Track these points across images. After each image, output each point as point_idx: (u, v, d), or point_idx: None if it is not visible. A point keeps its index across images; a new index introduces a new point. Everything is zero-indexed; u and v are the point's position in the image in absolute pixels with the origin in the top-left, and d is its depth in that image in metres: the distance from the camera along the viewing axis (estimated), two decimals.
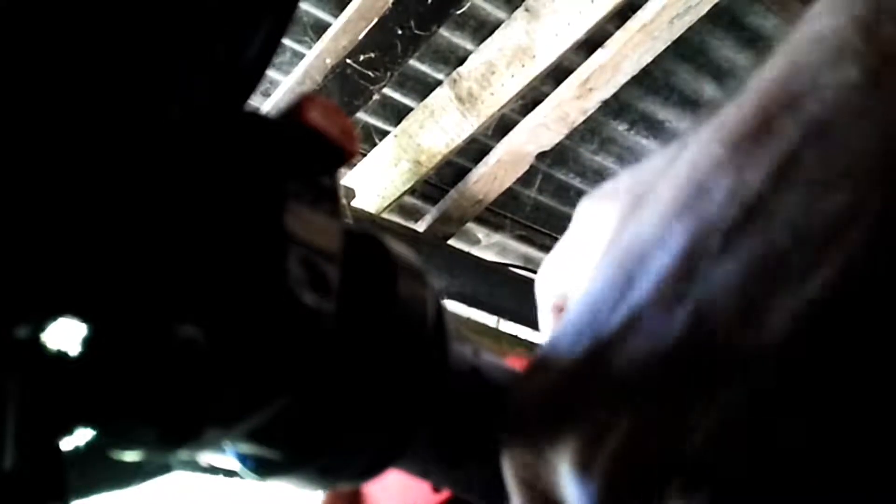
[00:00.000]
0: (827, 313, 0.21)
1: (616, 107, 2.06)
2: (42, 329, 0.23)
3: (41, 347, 0.23)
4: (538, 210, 2.32)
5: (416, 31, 1.78)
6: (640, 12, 1.79)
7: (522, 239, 2.37)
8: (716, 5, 1.74)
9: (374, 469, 0.27)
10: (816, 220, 0.21)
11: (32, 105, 0.23)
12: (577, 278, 0.33)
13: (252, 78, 0.28)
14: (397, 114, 2.06)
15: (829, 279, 0.21)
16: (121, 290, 0.23)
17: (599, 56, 1.86)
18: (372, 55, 1.81)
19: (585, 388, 0.23)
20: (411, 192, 2.13)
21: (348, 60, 1.81)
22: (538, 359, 0.25)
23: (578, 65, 1.90)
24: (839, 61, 0.22)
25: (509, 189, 2.17)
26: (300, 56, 1.87)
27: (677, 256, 0.23)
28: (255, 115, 0.28)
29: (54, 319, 0.23)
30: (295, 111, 0.27)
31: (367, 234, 0.29)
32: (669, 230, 0.23)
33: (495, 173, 2.11)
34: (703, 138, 0.25)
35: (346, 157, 0.28)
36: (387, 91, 1.96)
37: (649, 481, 0.21)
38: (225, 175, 0.25)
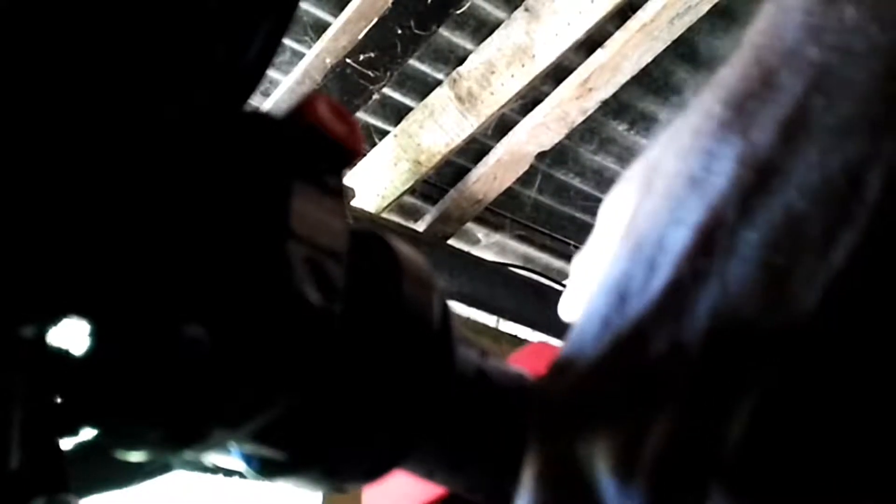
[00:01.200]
0: (856, 282, 0.19)
1: (616, 107, 2.06)
2: (47, 329, 0.23)
3: (46, 347, 0.23)
4: (538, 210, 2.32)
5: (416, 31, 1.77)
6: (640, 12, 1.79)
7: (522, 239, 2.36)
8: (716, 5, 1.74)
9: (378, 470, 0.27)
10: (832, 176, 0.20)
11: (35, 106, 0.23)
12: (598, 265, 0.31)
13: (253, 78, 0.28)
14: (397, 113, 2.05)
15: (852, 244, 0.19)
16: (126, 290, 0.23)
17: (599, 56, 1.86)
18: (372, 55, 1.81)
19: (617, 383, 0.22)
20: (411, 191, 2.12)
21: (348, 60, 1.81)
22: (566, 351, 0.24)
23: (578, 65, 1.90)
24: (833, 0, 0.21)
25: (509, 189, 2.17)
26: (300, 55, 1.86)
27: (694, 232, 0.21)
28: (260, 115, 0.27)
29: (59, 319, 0.23)
30: (301, 110, 0.27)
31: (372, 233, 0.29)
32: (682, 205, 0.22)
33: (495, 173, 2.11)
34: (704, 102, 0.23)
35: (352, 156, 0.28)
36: (387, 91, 1.95)
37: (696, 480, 0.19)
38: (230, 175, 0.25)
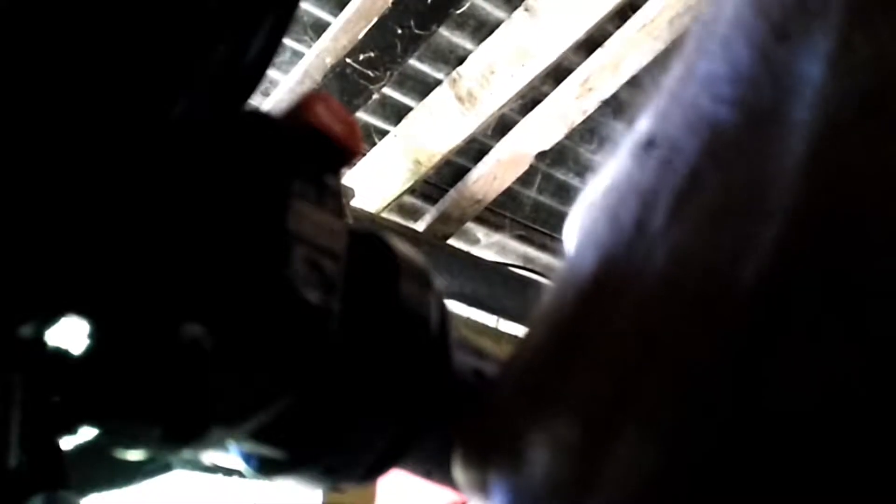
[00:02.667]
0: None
1: (616, 107, 2.06)
2: (45, 328, 0.23)
3: (44, 346, 0.23)
4: (538, 210, 2.32)
5: (416, 31, 1.77)
6: (639, 12, 1.79)
7: (522, 239, 2.36)
8: None
9: (377, 469, 0.27)
10: (712, 263, 0.18)
11: (34, 106, 0.23)
12: None
13: (253, 77, 0.28)
14: (397, 113, 2.05)
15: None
16: (125, 289, 0.23)
17: (599, 56, 1.86)
18: (371, 55, 1.81)
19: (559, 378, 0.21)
20: (411, 191, 2.12)
21: (348, 60, 1.81)
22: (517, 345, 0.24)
23: (578, 65, 1.90)
24: None
25: (509, 189, 2.17)
26: (300, 55, 1.86)
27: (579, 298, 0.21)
28: (259, 114, 0.28)
29: (58, 319, 0.23)
30: (299, 109, 0.27)
31: (371, 233, 0.29)
32: (583, 259, 0.22)
33: (495, 173, 2.11)
34: (624, 149, 0.22)
35: (351, 155, 0.28)
36: (386, 91, 1.95)
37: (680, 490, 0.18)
38: (229, 174, 0.25)
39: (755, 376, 0.17)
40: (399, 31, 1.77)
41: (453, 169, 2.17)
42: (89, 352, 0.23)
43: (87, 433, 0.24)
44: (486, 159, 2.12)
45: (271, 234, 0.24)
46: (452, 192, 2.20)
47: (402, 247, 0.29)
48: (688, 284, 0.19)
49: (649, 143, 0.21)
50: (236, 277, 0.23)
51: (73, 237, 0.23)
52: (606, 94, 1.92)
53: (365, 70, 1.82)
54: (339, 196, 0.27)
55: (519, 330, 2.21)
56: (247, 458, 0.26)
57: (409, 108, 2.04)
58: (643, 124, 0.22)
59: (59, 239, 0.23)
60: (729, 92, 0.19)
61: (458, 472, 0.23)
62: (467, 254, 2.19)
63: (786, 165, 0.18)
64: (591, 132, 2.13)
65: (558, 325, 0.22)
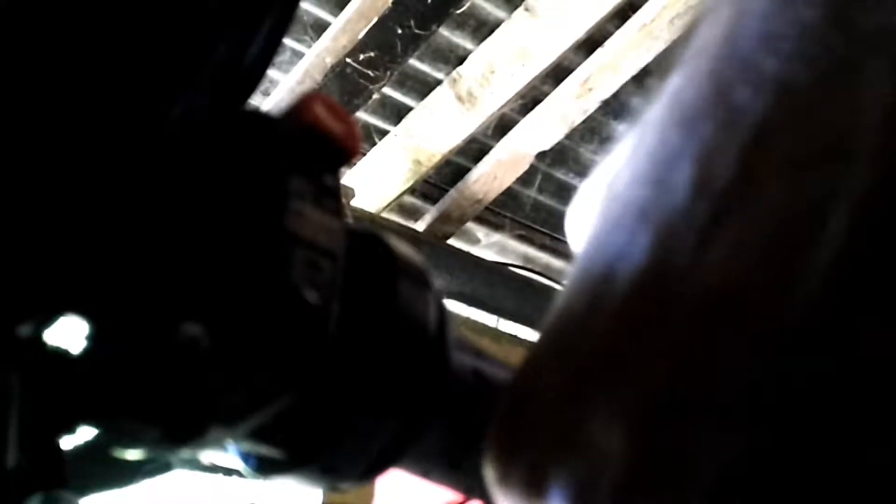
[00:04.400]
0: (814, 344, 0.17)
1: (616, 107, 2.06)
2: (44, 328, 0.23)
3: (43, 346, 0.23)
4: (538, 210, 2.32)
5: (416, 31, 1.77)
6: (640, 12, 1.79)
7: (522, 238, 2.37)
8: None
9: (376, 468, 0.27)
10: (792, 218, 0.17)
11: (35, 105, 0.23)
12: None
13: (253, 77, 0.28)
14: (397, 113, 2.05)
15: (808, 295, 0.17)
16: (123, 289, 0.23)
17: (599, 56, 1.86)
18: (372, 54, 1.81)
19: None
20: (411, 191, 2.13)
21: (348, 60, 1.81)
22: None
23: (578, 64, 1.90)
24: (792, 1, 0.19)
25: (509, 189, 2.17)
26: (300, 55, 1.87)
27: (644, 266, 0.19)
28: (258, 114, 0.28)
29: (56, 318, 0.23)
30: (298, 109, 0.27)
31: (369, 233, 0.29)
32: (632, 240, 0.20)
33: (495, 173, 2.11)
34: (658, 119, 0.21)
35: (350, 155, 0.28)
36: (386, 90, 1.95)
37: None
38: (227, 173, 0.25)
39: (850, 329, 0.16)
40: (399, 31, 1.77)
41: (453, 169, 2.17)
42: (88, 351, 0.23)
43: (86, 433, 0.24)
44: (486, 159, 2.12)
45: (270, 234, 0.24)
46: (452, 192, 2.20)
47: (401, 247, 0.29)
48: (769, 238, 0.18)
49: (698, 108, 0.20)
50: (235, 277, 0.23)
51: (71, 237, 0.23)
52: (607, 94, 1.92)
53: (365, 70, 1.82)
54: (337, 196, 0.27)
55: (519, 330, 2.21)
56: (245, 457, 0.27)
57: (410, 108, 2.04)
58: (682, 93, 0.21)
59: (58, 239, 0.23)
60: (796, 48, 0.19)
61: (496, 472, 0.20)
62: (467, 254, 2.19)
63: (867, 115, 0.17)
64: (591, 132, 2.13)
65: (613, 303, 0.20)
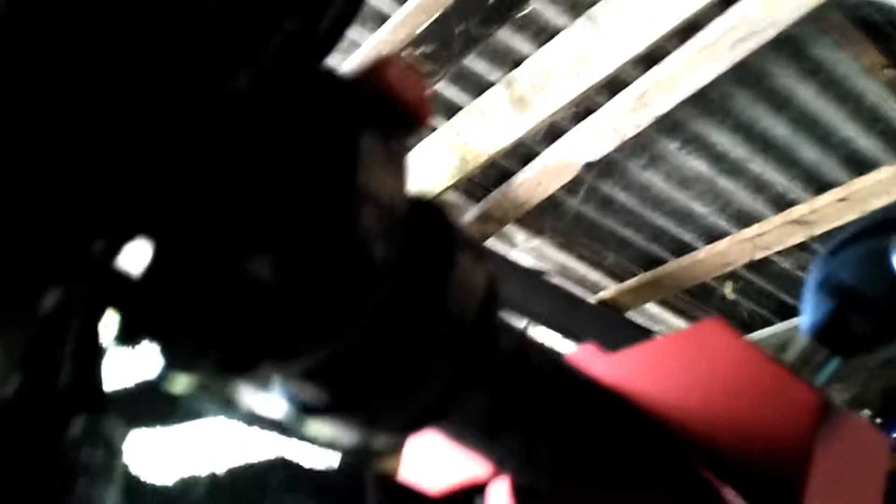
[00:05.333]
0: None
1: (669, 124, 2.05)
2: (117, 247, 0.24)
3: (112, 264, 0.24)
4: (579, 220, 2.31)
5: (476, 30, 1.78)
6: (702, 32, 1.78)
7: (561, 246, 2.36)
8: (782, 32, 1.72)
9: (415, 425, 0.28)
10: None
11: (130, 58, 0.24)
12: None
13: (326, 45, 0.29)
14: (448, 110, 2.06)
15: None
16: (199, 217, 0.24)
17: (657, 72, 1.85)
18: (428, 50, 1.82)
19: None
20: (454, 188, 2.13)
21: (404, 53, 1.82)
22: None
23: (635, 79, 1.89)
24: None
25: (552, 196, 2.17)
26: (357, 45, 1.88)
27: None
28: (334, 75, 0.28)
29: (129, 238, 0.24)
30: (373, 72, 0.28)
31: (430, 202, 0.30)
32: None
33: (540, 179, 2.11)
34: None
35: (418, 122, 0.28)
36: (440, 86, 1.96)
37: None
38: (305, 127, 0.26)
39: None
40: (458, 29, 1.77)
41: (499, 170, 2.17)
42: (156, 272, 0.24)
43: (144, 372, 0.25)
44: (532, 164, 2.12)
45: (341, 185, 0.25)
46: (496, 193, 2.20)
47: (459, 222, 0.30)
48: None
49: None
50: (306, 220, 0.24)
51: (153, 168, 0.24)
52: (661, 111, 1.91)
53: (420, 65, 1.83)
54: (402, 160, 0.28)
55: (548, 336, 2.20)
56: (291, 398, 0.27)
57: (460, 107, 2.04)
58: None
59: (140, 168, 0.23)
60: None
61: None
62: (503, 257, 2.18)
63: None
64: (641, 148, 2.12)
65: None
